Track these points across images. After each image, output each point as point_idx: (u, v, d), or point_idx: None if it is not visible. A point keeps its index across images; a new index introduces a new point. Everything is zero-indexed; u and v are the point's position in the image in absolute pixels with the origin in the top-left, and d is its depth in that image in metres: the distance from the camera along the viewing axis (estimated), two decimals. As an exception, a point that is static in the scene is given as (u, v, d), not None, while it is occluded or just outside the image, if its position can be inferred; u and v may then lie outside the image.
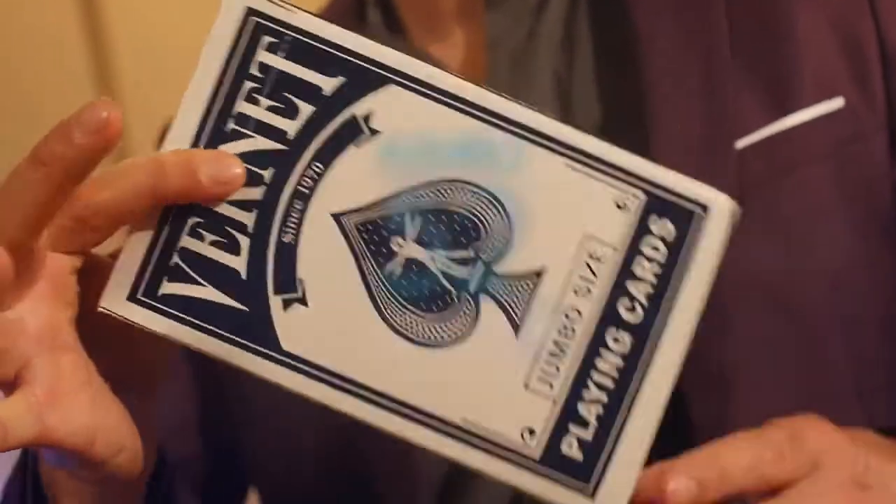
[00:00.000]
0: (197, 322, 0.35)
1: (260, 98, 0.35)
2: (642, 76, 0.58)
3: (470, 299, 0.35)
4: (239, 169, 0.35)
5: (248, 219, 0.35)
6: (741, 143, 0.57)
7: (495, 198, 0.35)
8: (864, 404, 0.57)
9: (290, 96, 0.35)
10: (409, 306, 0.35)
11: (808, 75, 0.58)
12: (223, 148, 0.35)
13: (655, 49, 0.58)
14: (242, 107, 0.35)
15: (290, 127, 0.35)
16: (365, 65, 0.35)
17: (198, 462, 0.65)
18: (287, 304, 0.35)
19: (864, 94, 0.59)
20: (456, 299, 0.35)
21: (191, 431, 0.66)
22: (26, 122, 1.80)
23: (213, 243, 0.35)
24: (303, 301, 0.35)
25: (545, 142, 0.35)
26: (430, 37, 0.62)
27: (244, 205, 0.35)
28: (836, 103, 0.58)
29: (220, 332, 0.35)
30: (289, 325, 0.35)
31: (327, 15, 0.65)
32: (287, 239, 0.35)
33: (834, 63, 0.59)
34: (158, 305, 0.35)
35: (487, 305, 0.35)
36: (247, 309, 0.35)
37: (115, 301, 0.35)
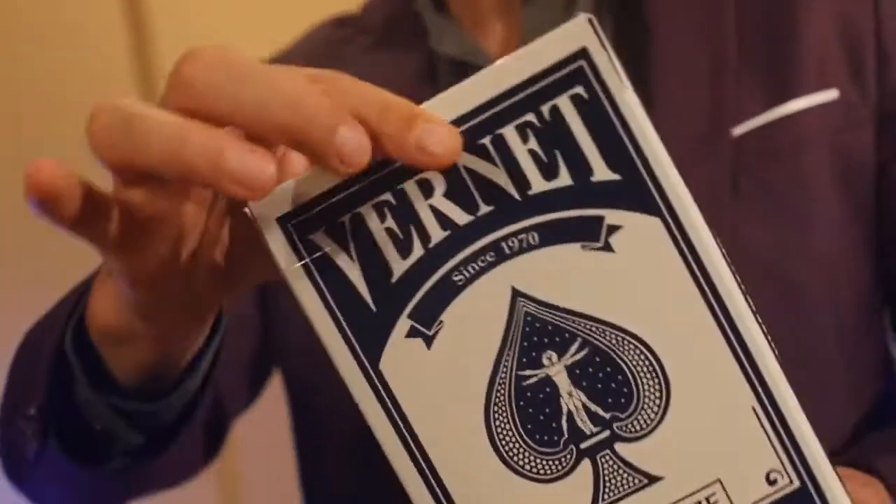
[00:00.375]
0: (322, 286, 0.32)
1: (529, 137, 0.31)
2: (650, 67, 0.62)
3: (574, 453, 0.32)
4: (447, 146, 0.29)
5: (437, 235, 0.31)
6: (738, 130, 0.61)
7: (667, 388, 0.31)
8: (850, 372, 0.63)
9: (558, 156, 0.31)
10: (515, 418, 0.32)
11: (809, 65, 0.62)
12: (462, 154, 0.31)
13: (664, 42, 0.63)
14: (508, 131, 0.31)
15: (537, 183, 0.31)
16: (649, 182, 0.30)
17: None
18: (412, 333, 0.32)
19: (858, 87, 0.62)
20: (561, 444, 0.32)
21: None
22: (70, 119, 1.73)
23: (388, 230, 0.31)
24: (428, 341, 0.32)
25: (756, 384, 0.31)
26: (473, 27, 0.68)
27: (443, 220, 0.31)
28: (832, 94, 0.62)
29: (335, 309, 0.32)
30: (399, 351, 0.32)
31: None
32: (456, 278, 0.31)
33: (834, 55, 0.63)
34: (299, 246, 0.32)
35: (585, 469, 0.32)
36: (374, 309, 0.32)
37: (266, 211, 0.32)
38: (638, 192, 0.31)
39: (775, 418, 0.31)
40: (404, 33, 0.70)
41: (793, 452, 0.32)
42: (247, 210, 0.32)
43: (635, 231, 0.31)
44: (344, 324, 0.32)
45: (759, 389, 0.31)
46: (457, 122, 0.30)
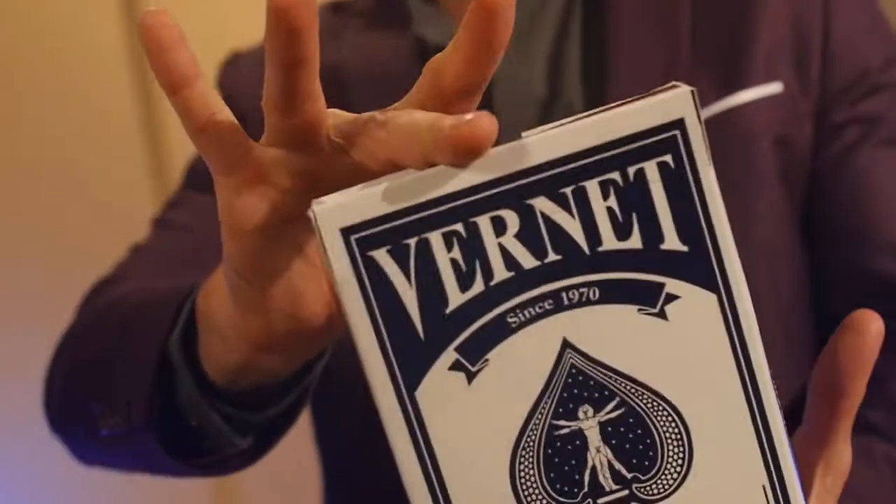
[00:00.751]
0: (374, 304, 0.31)
1: (610, 194, 0.31)
2: (610, 61, 0.65)
3: None
4: (486, 131, 0.29)
5: (501, 275, 0.31)
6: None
7: (690, 458, 0.32)
8: (790, 349, 0.66)
9: (633, 219, 0.31)
10: (541, 464, 0.32)
11: (759, 58, 0.66)
12: (542, 199, 0.31)
13: (622, 33, 0.66)
14: (591, 185, 0.31)
15: (609, 241, 0.31)
16: (714, 260, 0.31)
17: None
18: (456, 366, 0.32)
19: (802, 82, 0.66)
20: (580, 496, 0.32)
21: None
22: (70, 119, 1.64)
23: (452, 262, 0.31)
24: (470, 376, 0.32)
25: (771, 466, 0.32)
26: (455, 14, 0.71)
27: (509, 261, 0.31)
28: (777, 87, 0.65)
29: (382, 329, 0.31)
30: (439, 383, 0.32)
31: None
32: (511, 319, 0.31)
33: (783, 50, 0.66)
34: (358, 260, 0.31)
35: (597, 524, 0.33)
36: (422, 337, 0.31)
37: (332, 217, 0.31)
38: (701, 267, 0.31)
39: (781, 499, 0.33)
40: (393, 17, 0.71)
41: None
42: (310, 213, 0.31)
43: (691, 304, 0.31)
44: (388, 345, 0.31)
45: (773, 471, 0.33)
46: (544, 168, 0.30)
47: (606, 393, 0.32)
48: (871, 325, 0.36)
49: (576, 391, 0.32)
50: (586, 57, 0.67)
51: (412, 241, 0.31)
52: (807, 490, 0.39)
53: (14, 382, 1.51)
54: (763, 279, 0.65)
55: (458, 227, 0.31)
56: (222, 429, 0.45)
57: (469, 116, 0.29)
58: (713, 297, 0.32)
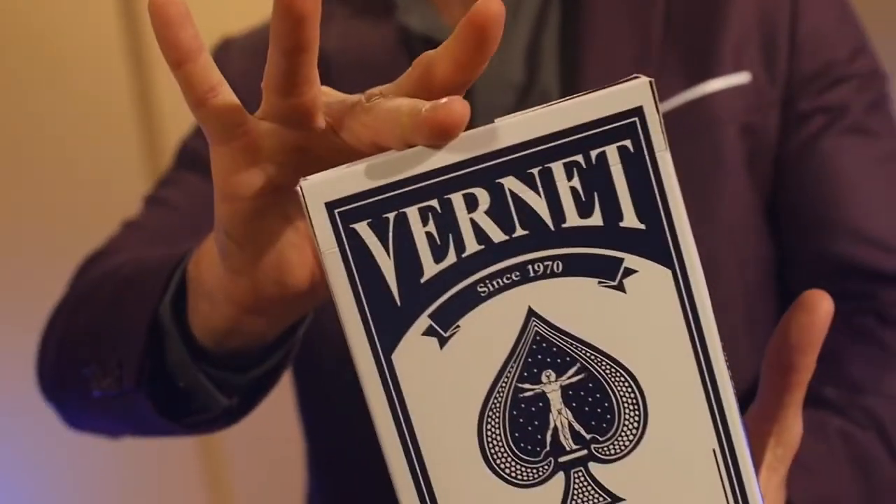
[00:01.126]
0: (354, 272, 0.34)
1: (574, 175, 0.34)
2: (584, 51, 0.68)
3: (552, 465, 0.35)
4: (458, 114, 0.32)
5: (472, 247, 0.34)
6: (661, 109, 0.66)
7: (645, 422, 0.35)
8: (752, 329, 0.68)
9: (595, 198, 0.34)
10: (506, 425, 0.35)
11: (728, 49, 0.68)
12: (511, 179, 0.33)
13: (596, 24, 0.69)
14: (556, 167, 0.34)
15: (572, 218, 0.34)
16: (669, 237, 0.34)
17: None
18: (429, 331, 0.34)
19: (769, 73, 0.69)
20: (542, 455, 0.35)
21: None
22: (69, 119, 1.67)
23: (428, 234, 0.34)
24: (442, 341, 0.34)
25: (721, 432, 0.35)
26: (438, 3, 0.74)
27: (480, 235, 0.34)
28: (745, 77, 0.68)
29: (361, 296, 0.34)
30: (413, 346, 0.34)
31: None
32: (480, 289, 0.34)
33: (752, 40, 0.68)
34: (341, 232, 0.34)
35: (558, 481, 0.35)
36: (399, 303, 0.34)
37: (317, 192, 0.33)
38: (657, 244, 0.34)
39: (730, 463, 0.35)
40: (377, 6, 0.74)
41: (738, 495, 0.36)
42: (298, 188, 0.34)
43: (647, 278, 0.34)
44: (367, 311, 0.34)
45: (723, 436, 0.35)
46: (513, 150, 0.33)
47: (568, 359, 0.35)
48: (821, 304, 0.39)
49: (539, 357, 0.35)
50: (563, 46, 0.70)
51: (391, 216, 0.34)
52: (759, 460, 0.42)
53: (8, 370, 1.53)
54: (729, 260, 0.68)
55: (434, 202, 0.34)
56: (209, 390, 0.48)
57: (444, 101, 0.32)
58: (668, 272, 0.34)
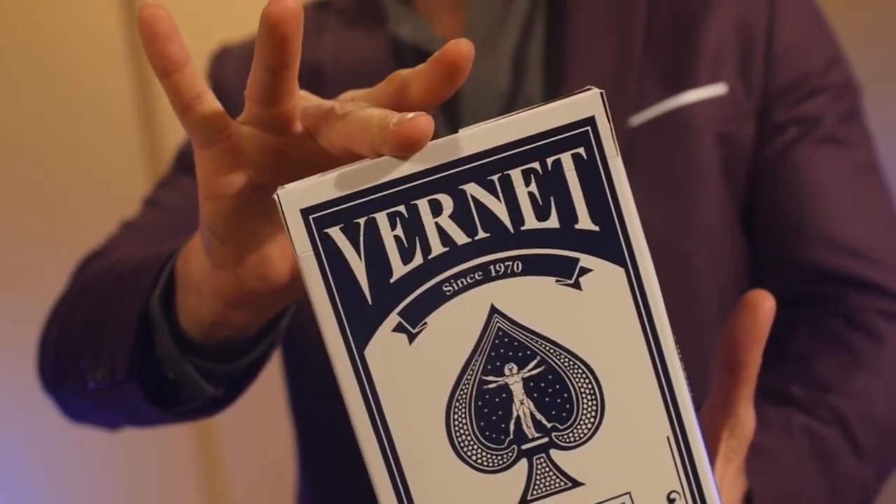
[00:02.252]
0: (328, 274, 0.36)
1: (532, 181, 0.36)
2: (567, 60, 0.71)
3: (515, 452, 0.37)
4: (423, 129, 0.34)
5: (437, 249, 0.36)
6: (637, 120, 0.69)
7: (602, 411, 0.37)
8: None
9: (552, 202, 0.36)
10: (472, 415, 0.37)
11: (706, 61, 0.70)
12: (473, 185, 0.36)
13: (579, 33, 0.71)
14: (515, 174, 0.36)
15: (530, 221, 0.36)
16: (621, 237, 0.36)
17: None
18: (399, 328, 0.37)
19: (746, 84, 0.70)
20: (506, 443, 0.37)
21: None
22: (69, 119, 1.69)
23: (396, 238, 0.36)
24: (411, 337, 0.37)
25: (674, 420, 0.37)
26: (427, 15, 0.77)
27: (445, 237, 0.36)
28: (721, 88, 0.70)
29: (335, 295, 0.36)
30: (384, 342, 0.37)
31: None
32: (446, 288, 0.37)
33: (729, 51, 0.70)
34: (316, 237, 0.36)
35: (521, 467, 0.38)
36: (370, 302, 0.37)
37: (293, 200, 0.36)
38: (610, 244, 0.36)
39: (683, 450, 0.38)
40: (369, 16, 0.77)
41: (692, 479, 0.38)
42: (275, 196, 0.36)
43: (602, 276, 0.37)
44: (341, 309, 0.37)
45: (676, 424, 0.38)
46: (474, 158, 0.36)
47: (529, 353, 0.37)
48: (764, 303, 0.42)
49: (502, 351, 0.37)
50: (548, 55, 0.73)
51: (362, 221, 0.36)
52: (714, 452, 0.45)
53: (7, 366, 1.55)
54: (704, 264, 0.71)
55: (401, 208, 0.36)
56: (197, 380, 0.51)
57: (410, 116, 0.35)
58: (621, 270, 0.37)
